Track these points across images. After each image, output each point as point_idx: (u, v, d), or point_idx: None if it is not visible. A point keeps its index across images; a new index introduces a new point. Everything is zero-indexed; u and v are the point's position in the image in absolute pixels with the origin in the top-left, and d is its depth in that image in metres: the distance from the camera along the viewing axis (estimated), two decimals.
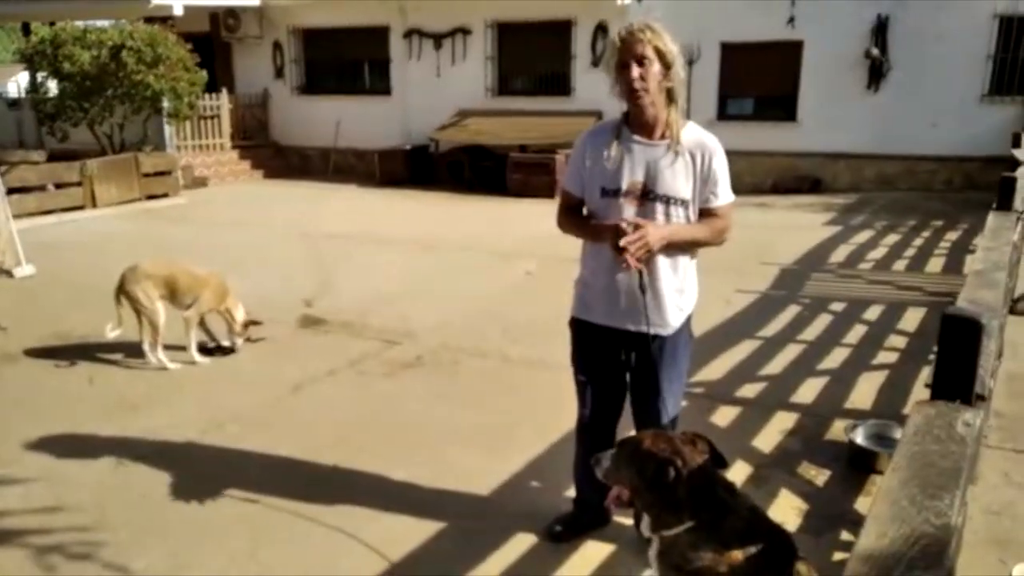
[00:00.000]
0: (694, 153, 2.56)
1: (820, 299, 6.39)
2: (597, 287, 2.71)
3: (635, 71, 2.47)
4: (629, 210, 2.58)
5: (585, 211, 2.73)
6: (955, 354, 1.61)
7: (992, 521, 3.03)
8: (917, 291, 6.69)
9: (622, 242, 2.44)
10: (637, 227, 2.46)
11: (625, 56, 2.48)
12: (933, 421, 1.51)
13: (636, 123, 2.61)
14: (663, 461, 2.00)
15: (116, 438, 3.94)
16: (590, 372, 2.88)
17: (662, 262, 2.61)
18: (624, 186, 2.59)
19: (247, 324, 5.22)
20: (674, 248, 2.60)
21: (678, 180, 2.56)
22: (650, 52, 2.46)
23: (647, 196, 2.57)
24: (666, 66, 2.49)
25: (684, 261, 2.67)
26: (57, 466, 3.64)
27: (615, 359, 2.78)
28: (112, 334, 4.90)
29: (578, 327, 2.85)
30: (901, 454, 1.41)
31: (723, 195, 2.62)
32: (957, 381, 1.61)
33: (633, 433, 2.52)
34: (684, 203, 2.58)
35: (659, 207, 2.57)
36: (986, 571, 2.72)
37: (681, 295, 2.69)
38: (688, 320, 2.77)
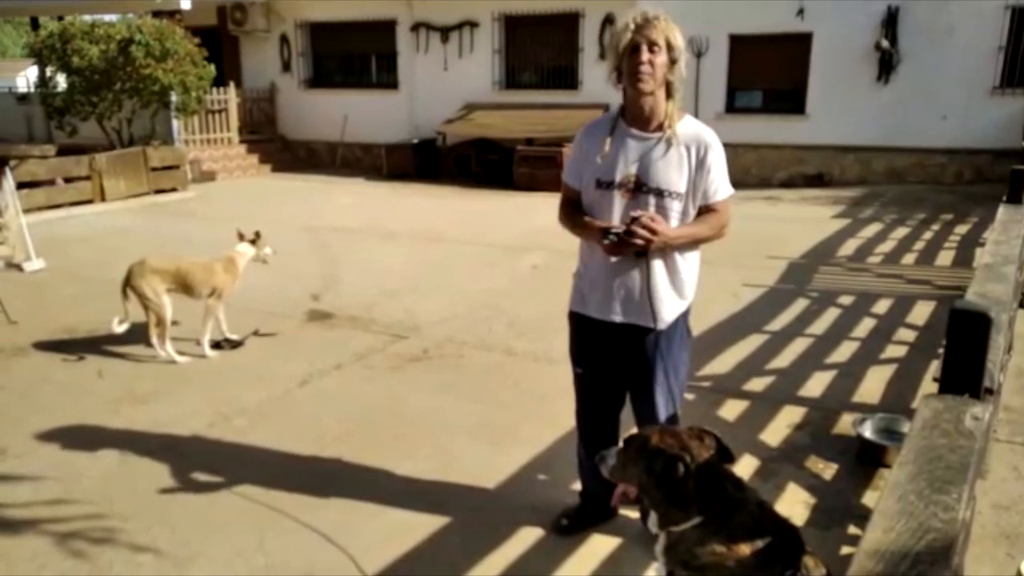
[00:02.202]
0: (689, 146, 2.55)
1: (828, 293, 6.36)
2: (592, 280, 2.71)
3: (645, 55, 2.46)
4: (622, 203, 2.58)
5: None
6: (963, 348, 1.59)
7: (1001, 515, 3.02)
8: (926, 285, 6.65)
9: (634, 213, 2.47)
10: (651, 219, 2.47)
11: (638, 39, 2.47)
12: (941, 415, 1.50)
13: (632, 116, 2.60)
14: (672, 457, 1.99)
15: (124, 431, 3.96)
16: (586, 365, 2.87)
17: (656, 256, 2.59)
18: (618, 178, 2.58)
19: (256, 238, 5.34)
20: (672, 248, 2.59)
21: (671, 173, 2.55)
22: (662, 41, 2.47)
23: (640, 189, 2.56)
24: (672, 59, 2.50)
25: (681, 256, 2.65)
26: (66, 458, 3.66)
27: (610, 352, 2.76)
28: (119, 328, 4.93)
29: (575, 320, 2.85)
30: (909, 448, 1.40)
31: (722, 190, 2.61)
32: (965, 375, 1.59)
33: (635, 430, 2.51)
34: (678, 196, 2.56)
35: (652, 200, 2.56)
36: (994, 566, 2.71)
37: (676, 290, 2.66)
38: (685, 315, 2.74)
